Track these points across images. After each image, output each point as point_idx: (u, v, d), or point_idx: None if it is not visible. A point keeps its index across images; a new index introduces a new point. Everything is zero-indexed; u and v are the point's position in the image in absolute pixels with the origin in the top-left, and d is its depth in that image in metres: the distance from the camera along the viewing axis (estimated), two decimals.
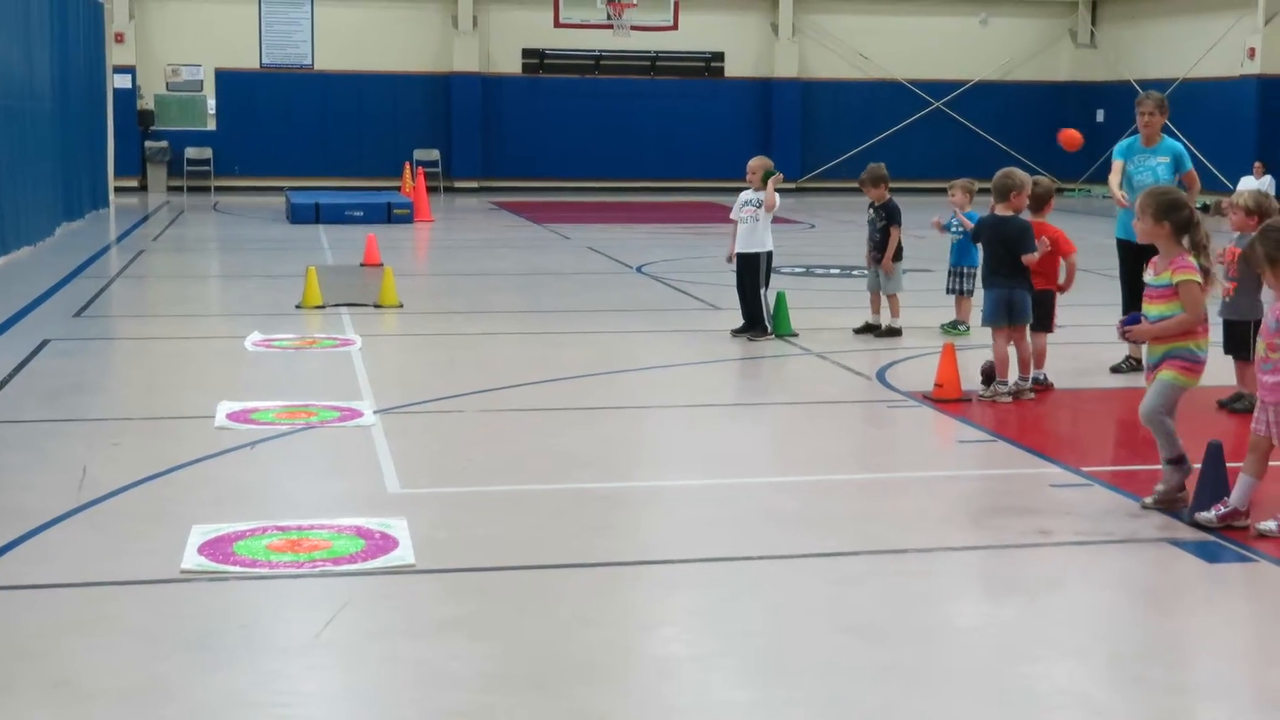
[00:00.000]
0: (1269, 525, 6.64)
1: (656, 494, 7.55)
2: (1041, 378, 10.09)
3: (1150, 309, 7.17)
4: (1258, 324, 7.62)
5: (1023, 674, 5.06)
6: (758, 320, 12.26)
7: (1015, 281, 9.79)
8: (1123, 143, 11.27)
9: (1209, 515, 6.73)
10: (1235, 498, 6.73)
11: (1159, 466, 7.08)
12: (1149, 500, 7.01)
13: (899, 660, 5.17)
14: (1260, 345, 6.88)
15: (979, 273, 10.62)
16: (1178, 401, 7.10)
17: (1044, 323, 10.10)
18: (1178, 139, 11.33)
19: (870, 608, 5.70)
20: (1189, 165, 10.88)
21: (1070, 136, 11.44)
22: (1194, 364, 7.08)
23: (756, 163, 12.57)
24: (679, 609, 5.76)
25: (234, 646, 5.18)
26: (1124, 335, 7.41)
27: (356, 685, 4.95)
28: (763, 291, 12.30)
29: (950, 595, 5.97)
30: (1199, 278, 7.07)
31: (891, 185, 12.87)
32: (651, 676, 5.05)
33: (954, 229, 12.61)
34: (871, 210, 12.80)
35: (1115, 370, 10.76)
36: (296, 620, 5.49)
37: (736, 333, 12.37)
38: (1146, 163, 10.88)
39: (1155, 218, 7.17)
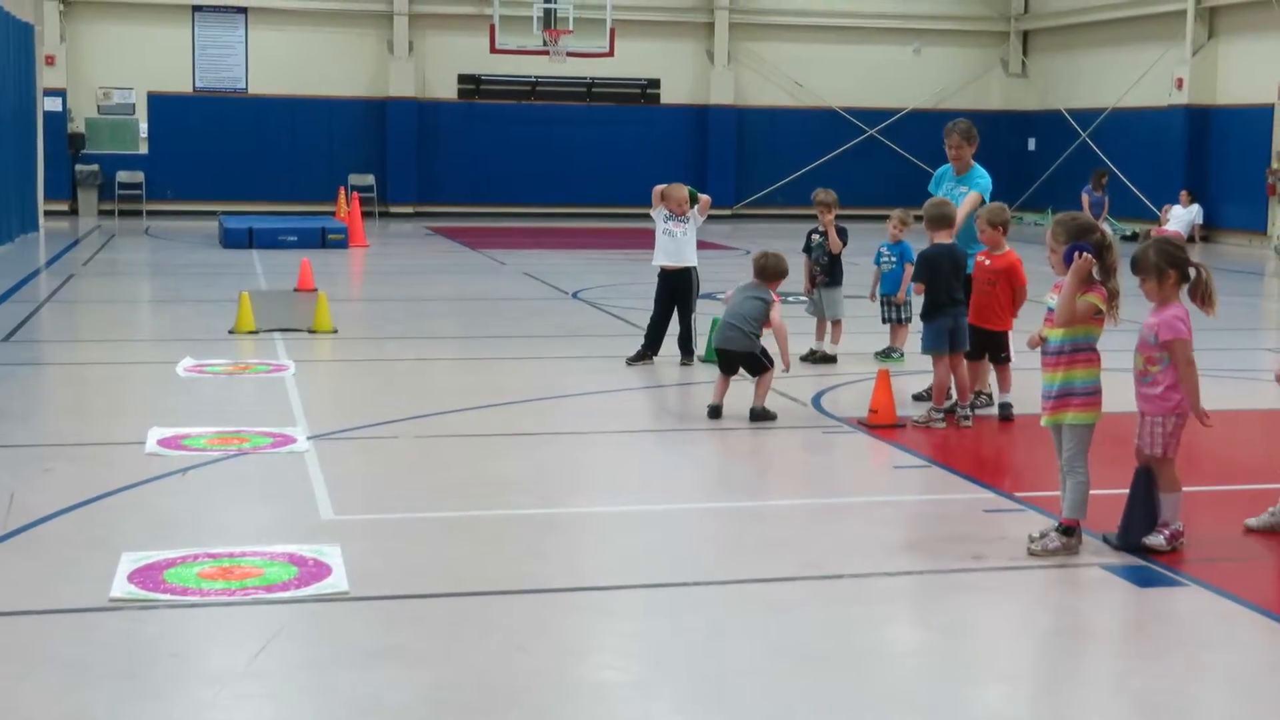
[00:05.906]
0: (1157, 540, 6.72)
1: (592, 520, 7.53)
2: (1008, 402, 10.12)
3: (1053, 334, 6.85)
4: None
5: (958, 698, 5.08)
6: (687, 344, 12.16)
7: (959, 309, 9.91)
8: (938, 171, 11.19)
9: (1159, 540, 6.73)
10: (1169, 517, 6.77)
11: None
12: (1034, 547, 6.73)
13: (836, 685, 5.18)
14: (1138, 359, 6.81)
15: (914, 299, 10.65)
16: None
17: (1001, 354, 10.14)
18: (988, 172, 11.06)
19: (807, 633, 5.70)
20: (984, 196, 10.67)
21: None
22: (1094, 395, 6.80)
23: (682, 192, 12.04)
24: (615, 635, 5.74)
25: (164, 676, 5.11)
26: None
27: (289, 715, 4.90)
28: (693, 315, 12.24)
29: (886, 620, 5.98)
30: (1103, 306, 6.72)
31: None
32: (588, 703, 5.03)
33: (883, 261, 12.68)
34: (818, 235, 12.68)
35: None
36: (228, 649, 5.43)
37: (634, 360, 12.06)
38: (954, 191, 10.83)
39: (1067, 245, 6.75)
